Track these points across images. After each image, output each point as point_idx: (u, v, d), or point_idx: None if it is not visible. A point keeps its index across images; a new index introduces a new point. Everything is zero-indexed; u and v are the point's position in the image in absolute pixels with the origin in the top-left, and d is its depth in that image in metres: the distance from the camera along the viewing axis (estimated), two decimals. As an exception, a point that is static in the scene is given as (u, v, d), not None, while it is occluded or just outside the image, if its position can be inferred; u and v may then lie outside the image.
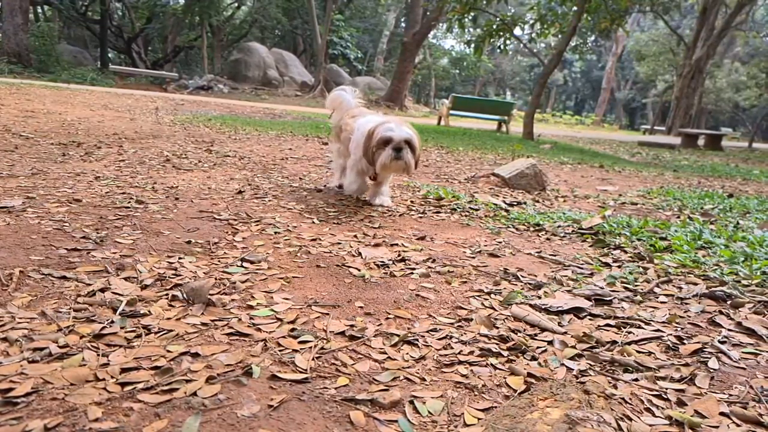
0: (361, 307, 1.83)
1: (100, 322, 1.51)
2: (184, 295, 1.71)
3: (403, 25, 35.87)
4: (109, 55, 29.94)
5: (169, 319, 1.58)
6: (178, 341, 1.45)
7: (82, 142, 5.22)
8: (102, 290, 1.73)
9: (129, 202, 2.98)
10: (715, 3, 23.96)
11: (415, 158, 3.11)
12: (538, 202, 4.18)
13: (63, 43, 27.74)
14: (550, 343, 1.64)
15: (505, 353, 1.55)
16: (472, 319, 1.79)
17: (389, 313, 1.79)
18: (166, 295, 1.75)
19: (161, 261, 2.08)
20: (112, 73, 23.42)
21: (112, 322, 1.52)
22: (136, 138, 5.94)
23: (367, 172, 3.41)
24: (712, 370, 1.48)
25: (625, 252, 2.69)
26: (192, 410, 1.13)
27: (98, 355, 1.34)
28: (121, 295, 1.70)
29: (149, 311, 1.61)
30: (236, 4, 33.00)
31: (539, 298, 2.01)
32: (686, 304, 2.00)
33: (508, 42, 14.95)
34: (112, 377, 1.24)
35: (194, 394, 1.19)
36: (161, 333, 1.49)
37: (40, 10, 29.82)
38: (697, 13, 25.89)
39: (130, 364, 1.30)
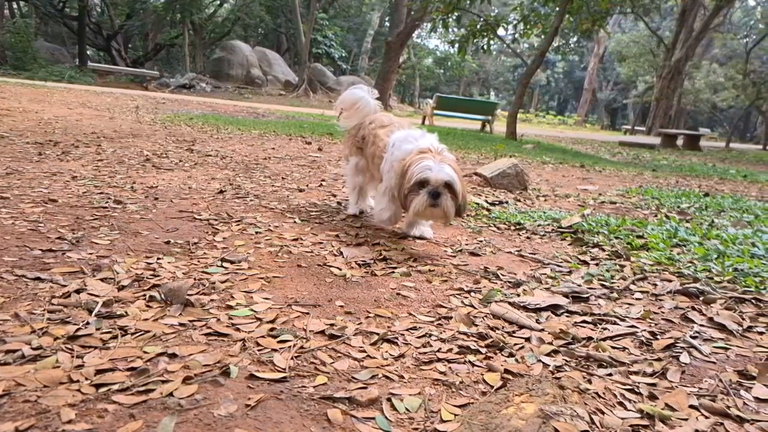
0: (341, 306, 1.84)
1: (75, 324, 1.49)
2: (162, 296, 1.70)
3: (387, 24, 35.90)
4: (88, 52, 29.37)
5: (146, 320, 1.57)
6: (155, 342, 1.44)
7: (59, 141, 5.13)
8: (77, 291, 1.71)
9: (107, 202, 2.94)
10: (693, 5, 24.37)
11: (458, 204, 2.48)
12: (519, 201, 4.22)
13: (40, 39, 27.20)
14: (528, 339, 1.66)
15: (484, 350, 1.57)
16: (451, 318, 1.80)
17: (370, 312, 1.80)
18: (144, 296, 1.74)
19: (139, 262, 2.06)
20: (91, 71, 23.04)
21: (88, 323, 1.50)
22: (115, 137, 5.86)
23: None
24: (683, 365, 1.52)
25: (603, 250, 2.74)
26: (168, 411, 1.13)
27: (72, 356, 1.32)
28: (97, 296, 1.68)
29: (126, 312, 1.60)
30: (218, 2, 32.69)
31: (518, 296, 2.04)
32: (660, 300, 2.04)
33: (491, 42, 15.05)
34: (86, 379, 1.23)
35: (170, 394, 1.18)
36: (138, 334, 1.48)
37: (15, 6, 29.18)
38: (677, 15, 26.33)
39: (106, 366, 1.29)
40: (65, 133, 5.75)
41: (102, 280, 1.84)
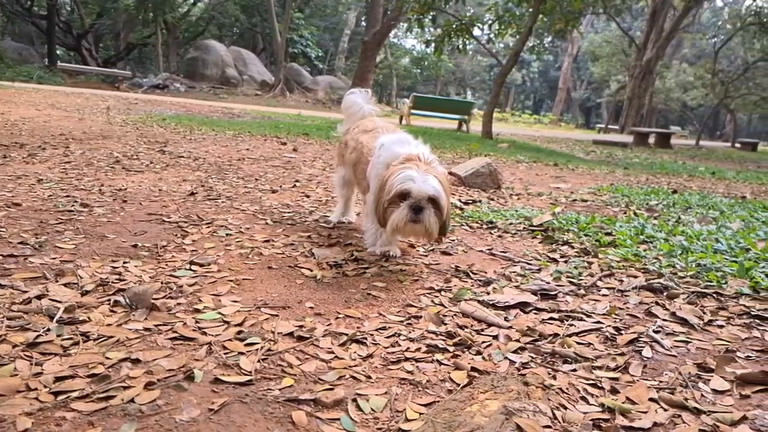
0: (311, 308, 1.83)
1: (35, 330, 1.46)
2: (127, 301, 1.67)
3: (363, 24, 35.86)
4: (58, 52, 28.69)
5: (109, 325, 1.54)
6: (118, 347, 1.42)
7: (25, 143, 5.00)
8: (39, 297, 1.67)
9: (73, 205, 2.88)
10: (663, 6, 24.92)
11: (442, 221, 2.20)
12: (492, 200, 4.26)
13: (7, 39, 26.52)
14: (495, 337, 1.68)
15: (451, 349, 1.58)
16: (421, 317, 1.81)
17: (339, 313, 1.80)
18: (108, 300, 1.71)
19: (104, 266, 2.02)
20: (60, 71, 22.50)
21: (48, 329, 1.47)
22: (84, 138, 5.73)
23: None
24: (645, 359, 1.55)
25: (572, 247, 2.78)
26: (128, 417, 1.11)
27: (31, 364, 1.29)
28: (59, 302, 1.64)
29: (89, 318, 1.57)
30: (192, 1, 32.21)
31: (488, 294, 2.06)
32: (626, 296, 2.08)
33: (467, 42, 15.16)
34: (45, 386, 1.20)
35: (131, 400, 1.17)
36: (101, 340, 1.45)
37: (-19, 5, 28.34)
38: (647, 15, 26.88)
39: (65, 373, 1.26)
40: (32, 135, 5.61)
41: (65, 285, 1.80)
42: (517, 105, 54.97)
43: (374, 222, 2.41)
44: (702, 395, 1.35)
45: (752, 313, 1.89)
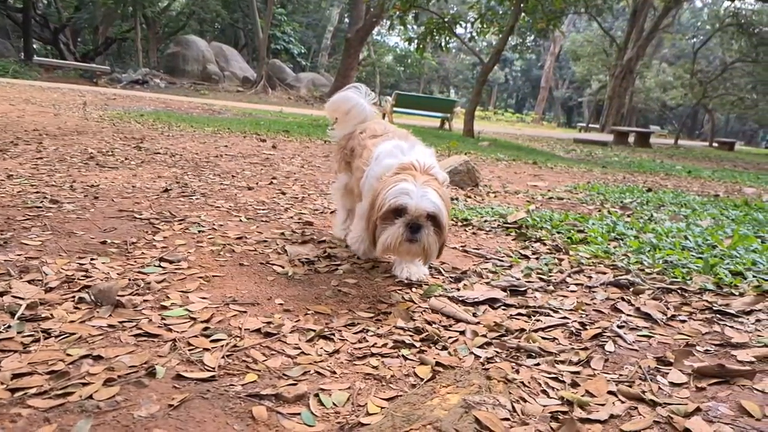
0: (281, 304, 1.83)
1: (-6, 328, 1.43)
2: (92, 297, 1.65)
3: (347, 21, 35.75)
4: (34, 46, 28.08)
5: (72, 322, 1.52)
6: (80, 344, 1.40)
7: (-4, 138, 4.90)
8: (1, 294, 1.64)
9: (42, 201, 2.83)
10: (644, 6, 25.26)
11: (441, 240, 1.98)
12: (469, 197, 4.29)
13: (-19, 32, 25.87)
14: (462, 333, 1.70)
15: (418, 344, 1.59)
16: (391, 313, 1.82)
17: (309, 309, 1.80)
18: (73, 297, 1.68)
19: (71, 263, 1.99)
20: (36, 66, 22.05)
21: (9, 326, 1.45)
22: (58, 134, 5.63)
23: None
24: (607, 353, 1.58)
25: (544, 244, 2.81)
26: (85, 413, 1.10)
27: (-12, 361, 1.27)
28: (22, 298, 1.62)
29: (51, 315, 1.55)
30: (173, -5, 31.77)
31: (458, 290, 2.07)
32: (594, 292, 2.12)
33: (449, 40, 15.21)
34: (1, 383, 1.18)
35: (90, 397, 1.16)
36: (62, 336, 1.43)
37: (-46, -3, 27.58)
38: (628, 15, 27.25)
39: (24, 369, 1.24)
40: (4, 131, 5.49)
41: (29, 282, 1.77)
42: (500, 103, 55.33)
43: (363, 232, 2.25)
44: (659, 388, 1.38)
45: (714, 308, 1.94)
